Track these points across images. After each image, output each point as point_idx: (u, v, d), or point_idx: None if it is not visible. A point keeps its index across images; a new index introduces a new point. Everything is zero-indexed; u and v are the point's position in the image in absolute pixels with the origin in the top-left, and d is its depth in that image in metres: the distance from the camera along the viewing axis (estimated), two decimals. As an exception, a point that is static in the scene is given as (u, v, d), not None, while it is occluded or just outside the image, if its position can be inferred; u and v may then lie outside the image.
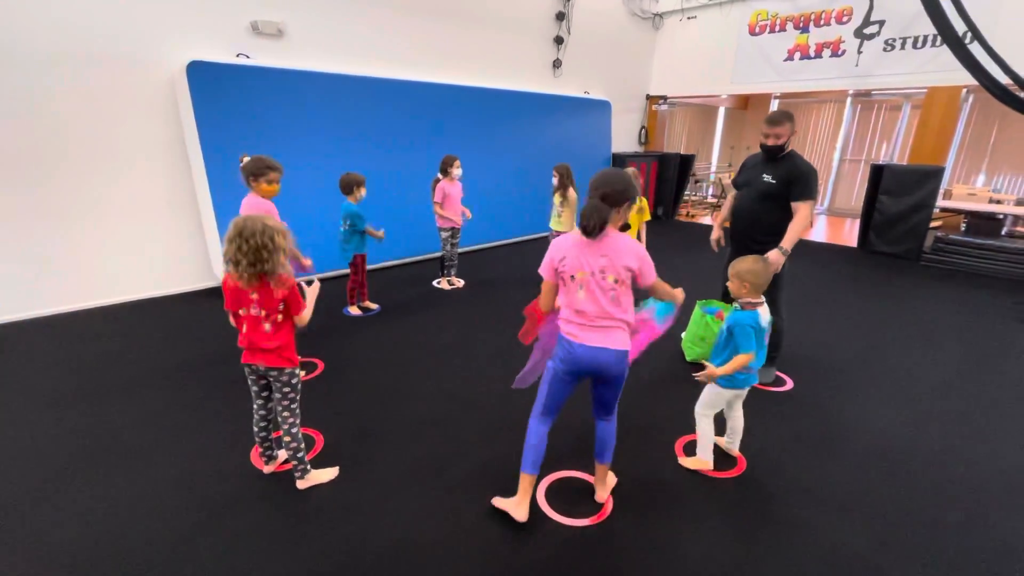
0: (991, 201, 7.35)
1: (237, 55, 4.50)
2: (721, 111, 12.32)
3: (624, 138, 9.04)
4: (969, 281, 5.71)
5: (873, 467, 2.44)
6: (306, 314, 2.02)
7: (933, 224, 6.95)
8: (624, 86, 8.75)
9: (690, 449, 2.52)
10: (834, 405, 3.00)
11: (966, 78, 5.67)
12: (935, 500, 2.22)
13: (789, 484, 2.30)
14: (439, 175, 4.69)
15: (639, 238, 4.42)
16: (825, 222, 9.81)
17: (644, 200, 4.43)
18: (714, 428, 2.38)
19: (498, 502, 2.09)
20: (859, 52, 6.86)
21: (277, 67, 4.66)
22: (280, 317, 1.97)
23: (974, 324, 4.37)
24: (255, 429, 2.20)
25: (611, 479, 2.24)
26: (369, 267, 4.36)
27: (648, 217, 4.44)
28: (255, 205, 2.86)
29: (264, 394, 2.13)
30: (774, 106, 11.67)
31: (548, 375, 1.98)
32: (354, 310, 4.26)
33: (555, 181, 4.63)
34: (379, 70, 5.45)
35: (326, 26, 5.02)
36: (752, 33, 7.82)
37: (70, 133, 3.88)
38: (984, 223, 6.69)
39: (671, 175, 8.97)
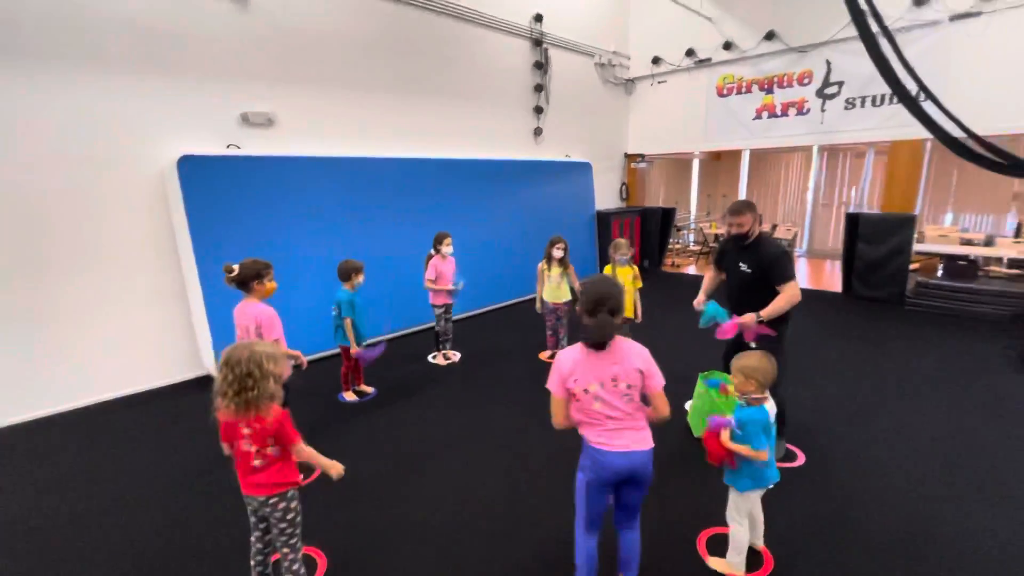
0: (962, 242, 7.64)
1: (228, 146, 4.57)
2: (696, 163, 12.84)
3: (606, 196, 9.29)
4: (954, 324, 5.82)
5: (898, 553, 2.36)
6: (303, 448, 1.87)
7: (912, 267, 7.16)
8: (603, 147, 9.09)
9: (714, 546, 2.42)
10: (848, 479, 2.94)
11: (924, 132, 6.01)
12: (970, 590, 2.14)
13: (819, 582, 2.20)
14: (432, 251, 4.72)
15: (635, 305, 4.44)
16: (806, 264, 10.06)
17: (636, 268, 4.47)
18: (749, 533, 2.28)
19: None
20: (823, 111, 7.27)
21: (268, 155, 4.73)
22: (271, 451, 1.84)
23: (970, 373, 4.41)
24: (252, 563, 2.05)
25: (636, 591, 2.13)
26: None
27: (640, 285, 4.48)
28: (257, 312, 2.80)
29: (262, 525, 2.00)
30: (746, 158, 12.22)
31: (582, 489, 1.93)
32: (349, 395, 4.14)
33: (560, 253, 4.66)
34: (368, 149, 5.58)
35: (314, 111, 5.16)
36: (720, 95, 8.27)
37: (58, 233, 3.84)
38: (961, 266, 6.91)
39: (654, 228, 9.20)
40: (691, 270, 9.77)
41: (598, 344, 1.81)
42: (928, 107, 5.15)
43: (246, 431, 1.79)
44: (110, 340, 4.14)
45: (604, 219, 8.56)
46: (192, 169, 4.23)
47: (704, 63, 8.26)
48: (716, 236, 10.69)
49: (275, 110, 4.85)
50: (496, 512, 2.71)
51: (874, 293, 6.89)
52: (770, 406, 2.23)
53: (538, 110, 7.60)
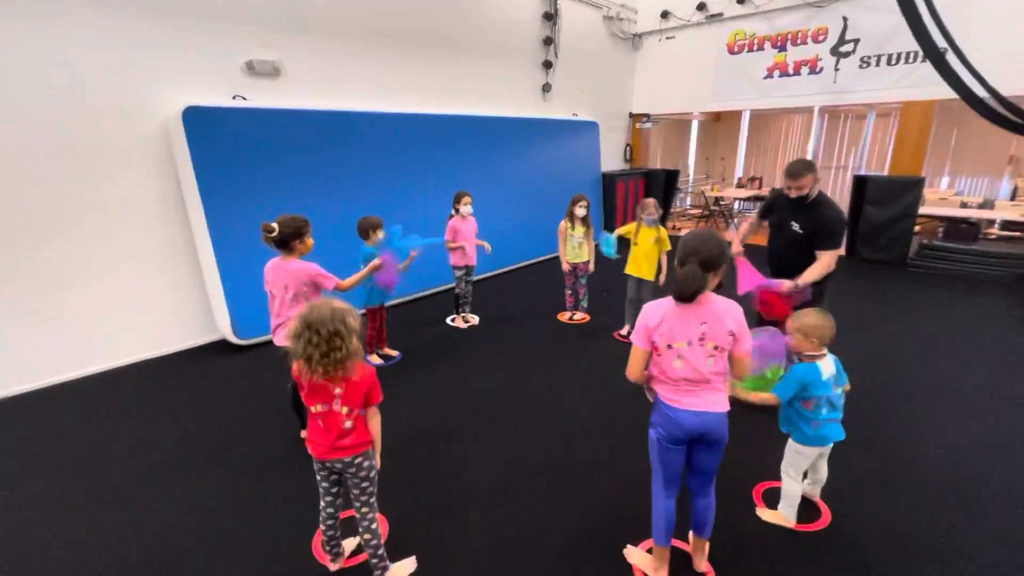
0: (962, 205, 7.75)
1: (234, 97, 4.27)
2: (695, 124, 12.64)
3: (611, 157, 9.11)
4: (957, 286, 5.94)
5: (951, 504, 2.43)
6: (377, 414, 1.88)
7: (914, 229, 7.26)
8: (608, 106, 8.84)
9: (769, 498, 2.46)
10: (886, 434, 3.01)
11: (939, 92, 5.95)
12: (1015, 534, 2.22)
13: (878, 533, 2.26)
14: (453, 211, 4.57)
15: (659, 269, 4.39)
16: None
17: (663, 229, 4.39)
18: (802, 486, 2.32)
19: (633, 558, 2.09)
20: (836, 69, 7.13)
21: (276, 107, 4.44)
22: (361, 411, 1.81)
23: (983, 332, 4.52)
24: (323, 527, 2.01)
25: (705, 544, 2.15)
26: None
27: (668, 247, 4.40)
28: (302, 268, 2.66)
29: (334, 490, 1.95)
30: (745, 119, 12.07)
31: (654, 447, 1.91)
32: (374, 359, 4.06)
33: (583, 212, 4.56)
34: (378, 104, 5.30)
35: (322, 63, 4.84)
36: (731, 52, 8.04)
37: (58, 191, 3.57)
38: (962, 228, 7.03)
39: (658, 191, 9.09)
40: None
41: (682, 296, 1.73)
42: (951, 65, 5.07)
43: (338, 391, 1.72)
44: (115, 304, 3.93)
45: (609, 180, 8.42)
46: (198, 121, 3.94)
47: (716, 18, 7.98)
48: (717, 199, 10.66)
49: (281, 59, 4.53)
50: (549, 474, 2.70)
51: (878, 255, 6.98)
52: (824, 365, 2.21)
53: (547, 65, 7.29)
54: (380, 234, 3.81)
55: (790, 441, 2.29)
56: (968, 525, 2.29)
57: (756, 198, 10.37)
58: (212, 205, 4.08)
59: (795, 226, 3.03)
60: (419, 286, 5.68)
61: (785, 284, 2.95)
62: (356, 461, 1.83)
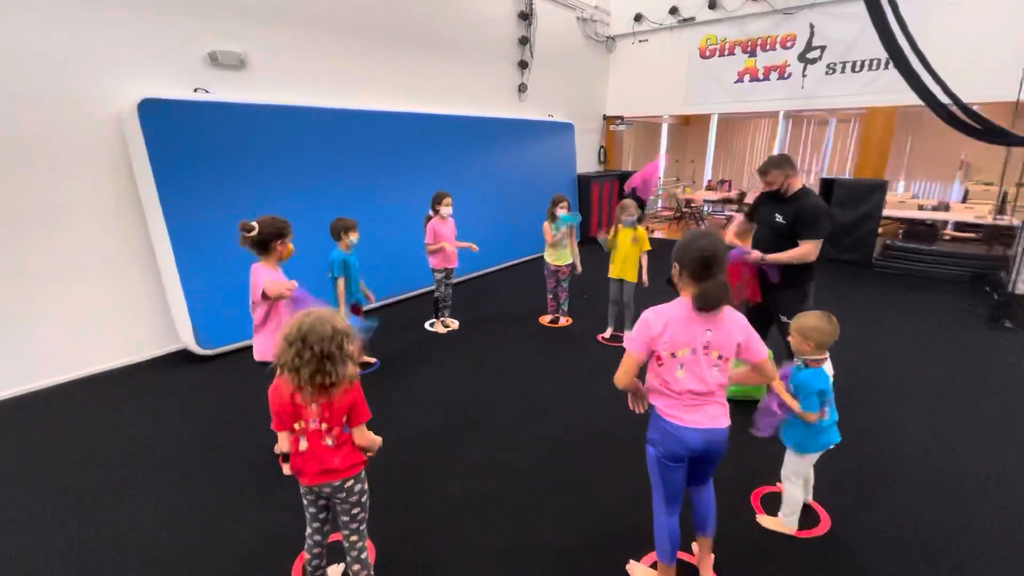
0: (919, 208, 8.09)
1: (195, 90, 3.99)
2: (664, 127, 12.82)
3: (585, 159, 9.10)
4: (919, 285, 6.17)
5: (949, 504, 2.44)
6: (370, 436, 1.69)
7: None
8: (582, 108, 8.83)
9: (768, 503, 2.42)
10: (875, 434, 3.03)
11: (902, 98, 6.17)
12: (1014, 532, 2.25)
13: (878, 536, 2.24)
14: (431, 212, 4.41)
15: (640, 269, 4.35)
16: (772, 230, 10.38)
17: (642, 229, 4.36)
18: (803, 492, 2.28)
19: (636, 574, 2.01)
20: (804, 75, 7.32)
21: (241, 102, 4.19)
22: (344, 429, 1.65)
23: (949, 329, 4.68)
24: (308, 556, 1.84)
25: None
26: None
27: (648, 247, 4.37)
28: (278, 280, 2.47)
29: (321, 515, 1.78)
30: (713, 123, 12.33)
31: (654, 465, 1.81)
32: (351, 367, 3.85)
33: (564, 213, 4.51)
34: (349, 101, 5.08)
35: (291, 56, 4.60)
36: (703, 56, 8.15)
37: (-5, 188, 3.24)
38: (921, 230, 7.32)
39: (633, 193, 9.13)
40: (658, 235, 9.86)
41: (709, 308, 1.63)
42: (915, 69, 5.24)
43: (314, 407, 1.56)
44: (63, 314, 3.59)
45: (585, 182, 8.40)
46: (156, 115, 3.66)
47: (688, 22, 8.08)
48: (688, 201, 10.82)
49: (247, 50, 4.27)
50: (544, 484, 2.58)
51: (844, 256, 7.18)
52: (828, 368, 2.20)
53: (523, 65, 7.21)
54: (353, 236, 3.65)
55: (791, 453, 2.25)
56: (966, 525, 2.30)
57: (726, 200, 10.58)
58: (171, 206, 3.79)
59: (778, 217, 3.09)
60: (395, 290, 5.49)
61: (754, 254, 3.05)
62: (346, 485, 1.67)
